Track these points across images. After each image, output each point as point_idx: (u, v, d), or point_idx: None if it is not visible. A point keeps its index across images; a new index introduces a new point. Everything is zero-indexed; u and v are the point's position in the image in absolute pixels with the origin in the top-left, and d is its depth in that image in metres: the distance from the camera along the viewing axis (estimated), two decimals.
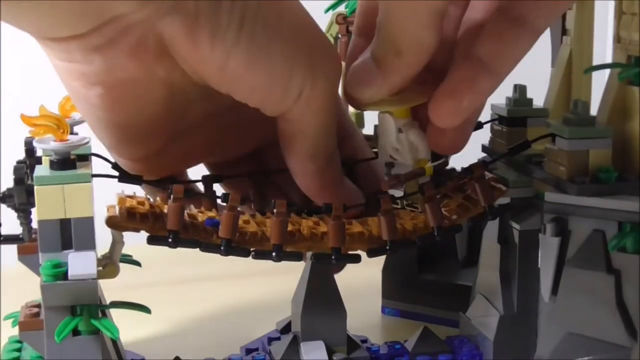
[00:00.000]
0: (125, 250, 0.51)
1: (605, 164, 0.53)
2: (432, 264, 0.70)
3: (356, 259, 0.50)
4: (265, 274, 0.76)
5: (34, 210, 0.48)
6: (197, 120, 0.51)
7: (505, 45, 0.46)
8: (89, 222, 0.48)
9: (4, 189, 0.49)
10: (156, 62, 0.45)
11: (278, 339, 0.62)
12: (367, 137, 0.60)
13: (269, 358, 0.60)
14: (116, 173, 0.51)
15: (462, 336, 0.63)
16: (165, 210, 0.49)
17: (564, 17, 0.62)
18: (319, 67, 0.47)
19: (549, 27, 0.46)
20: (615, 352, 0.52)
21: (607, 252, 0.52)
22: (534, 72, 0.71)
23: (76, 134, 0.54)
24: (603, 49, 0.68)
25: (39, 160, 0.52)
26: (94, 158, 0.51)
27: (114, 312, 0.54)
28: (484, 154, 0.63)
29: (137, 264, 0.57)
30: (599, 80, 0.60)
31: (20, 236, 0.50)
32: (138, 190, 0.52)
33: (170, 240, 0.48)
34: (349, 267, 0.52)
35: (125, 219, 0.49)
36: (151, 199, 0.51)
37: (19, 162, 0.52)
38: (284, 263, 0.51)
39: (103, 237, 0.51)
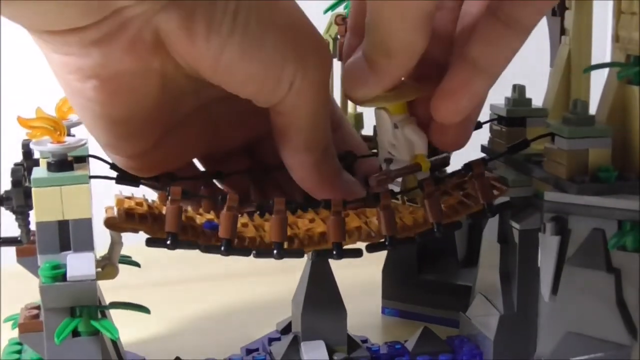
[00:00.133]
0: (124, 251, 0.51)
1: (605, 163, 0.53)
2: (432, 264, 0.70)
3: (358, 253, 0.50)
4: (266, 274, 0.76)
5: (32, 212, 0.48)
6: (190, 113, 0.51)
7: (496, 45, 0.46)
8: (87, 223, 0.48)
9: (1, 191, 0.49)
10: (152, 55, 0.46)
11: (278, 339, 0.62)
12: (367, 138, 0.60)
13: (269, 358, 0.60)
14: (114, 174, 0.51)
15: (462, 336, 0.63)
16: (164, 211, 0.49)
17: (562, 16, 0.62)
18: (309, 58, 0.48)
19: (537, 24, 0.46)
20: (616, 351, 0.52)
21: (607, 251, 0.52)
22: (533, 72, 0.71)
23: (73, 135, 0.54)
24: (602, 49, 0.68)
25: (36, 162, 0.52)
26: (92, 159, 0.51)
27: (114, 313, 0.54)
28: (483, 154, 0.63)
29: (137, 264, 0.57)
30: (598, 80, 0.60)
31: (19, 238, 0.50)
32: (136, 191, 0.52)
33: (168, 242, 0.48)
34: (349, 267, 0.52)
35: (123, 220, 0.49)
36: (149, 199, 0.51)
37: (16, 164, 0.51)
38: (284, 263, 0.51)
39: (102, 238, 0.51)
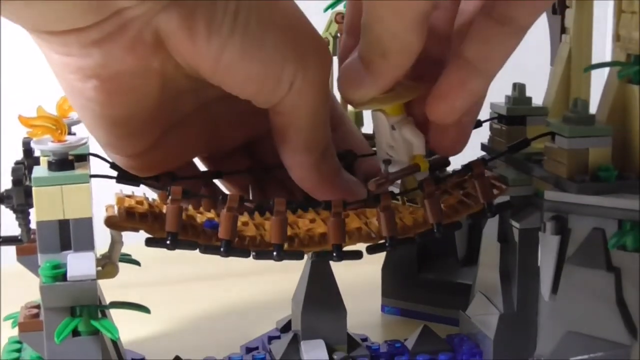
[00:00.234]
0: (124, 249, 0.51)
1: (605, 162, 0.53)
2: (432, 263, 0.70)
3: (357, 255, 0.50)
4: (266, 273, 0.76)
5: (32, 211, 0.48)
6: (189, 112, 0.51)
7: (491, 45, 0.46)
8: (87, 222, 0.48)
9: (3, 189, 0.49)
10: (152, 55, 0.46)
11: (278, 337, 0.62)
12: (367, 136, 0.60)
13: (269, 357, 0.60)
14: (114, 173, 0.51)
15: (462, 334, 0.63)
16: (164, 210, 0.49)
17: (563, 15, 0.62)
18: (309, 58, 0.48)
19: (533, 25, 0.46)
20: (615, 350, 0.52)
21: (607, 251, 0.52)
22: (533, 71, 0.71)
23: (74, 134, 0.54)
24: (602, 48, 0.68)
25: (37, 161, 0.52)
26: (92, 158, 0.51)
27: (114, 312, 0.54)
28: (484, 153, 0.63)
29: (137, 263, 0.57)
30: (599, 79, 0.60)
31: (19, 237, 0.50)
32: (136, 190, 0.52)
33: (168, 242, 0.48)
34: (349, 266, 0.52)
35: (124, 219, 0.49)
36: (150, 198, 0.51)
37: (17, 162, 0.51)
38: (284, 261, 0.51)
39: (102, 236, 0.51)
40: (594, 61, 0.61)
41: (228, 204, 0.48)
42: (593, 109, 0.56)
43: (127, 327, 0.54)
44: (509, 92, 0.61)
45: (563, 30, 0.62)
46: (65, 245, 0.48)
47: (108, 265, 0.50)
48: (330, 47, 0.68)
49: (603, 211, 0.52)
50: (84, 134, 0.51)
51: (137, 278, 0.63)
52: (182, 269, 0.80)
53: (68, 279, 0.47)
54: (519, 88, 0.61)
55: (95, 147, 0.51)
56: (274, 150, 0.51)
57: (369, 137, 0.60)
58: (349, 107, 0.69)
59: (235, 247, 0.49)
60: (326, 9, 0.69)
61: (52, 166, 0.47)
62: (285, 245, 0.49)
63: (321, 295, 0.59)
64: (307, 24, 0.49)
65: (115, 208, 0.50)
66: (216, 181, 0.56)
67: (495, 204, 0.52)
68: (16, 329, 0.53)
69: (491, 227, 0.60)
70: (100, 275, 0.49)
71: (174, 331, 0.70)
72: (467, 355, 0.60)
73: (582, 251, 0.53)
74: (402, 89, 0.49)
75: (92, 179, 0.49)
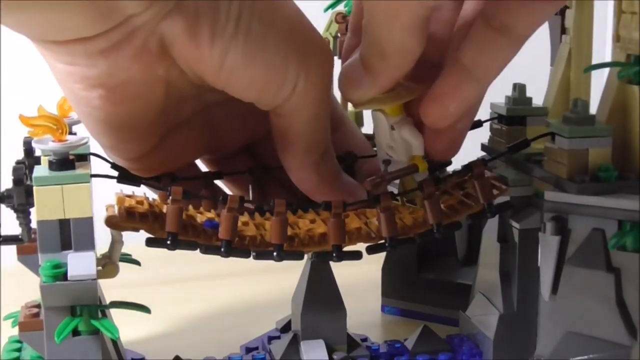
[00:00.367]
0: (125, 249, 0.51)
1: (605, 162, 0.53)
2: (432, 263, 0.70)
3: (357, 256, 0.50)
4: (265, 273, 0.76)
5: (33, 210, 0.48)
6: (190, 115, 0.51)
7: (487, 53, 0.46)
8: (88, 222, 0.48)
9: (3, 189, 0.49)
10: (157, 62, 0.46)
11: (278, 337, 0.62)
12: (368, 137, 0.60)
13: (269, 357, 0.60)
14: (115, 173, 0.51)
15: (462, 335, 0.63)
16: (165, 210, 0.49)
17: (563, 15, 0.62)
18: (312, 60, 0.48)
19: (531, 36, 0.46)
20: (615, 351, 0.52)
21: (607, 251, 0.52)
22: (534, 71, 0.71)
23: (75, 133, 0.54)
24: (602, 48, 0.68)
25: (38, 160, 0.52)
26: (93, 157, 0.51)
27: (114, 311, 0.54)
28: (484, 153, 0.63)
29: (137, 263, 0.57)
30: (599, 79, 0.60)
31: (20, 236, 0.50)
32: (137, 190, 0.52)
33: (168, 242, 0.48)
34: (349, 266, 0.52)
35: (124, 219, 0.49)
36: (150, 198, 0.51)
37: (17, 162, 0.51)
38: (284, 262, 0.51)
39: (103, 236, 0.51)
40: (594, 61, 0.61)
41: (228, 205, 0.48)
42: (593, 109, 0.56)
43: (127, 327, 0.54)
44: (509, 92, 0.61)
45: (563, 30, 0.62)
46: (66, 244, 0.48)
47: (108, 264, 0.50)
48: (331, 47, 0.68)
49: (603, 212, 0.52)
50: (85, 134, 0.51)
51: (137, 278, 0.63)
52: (182, 269, 0.80)
53: (68, 278, 0.47)
54: (519, 88, 0.61)
55: (96, 146, 0.51)
56: (274, 151, 0.52)
57: (370, 138, 0.60)
58: (349, 107, 0.69)
59: (235, 247, 0.49)
60: (326, 9, 0.69)
61: (52, 166, 0.47)
62: (285, 245, 0.49)
63: (321, 295, 0.59)
64: (309, 25, 0.49)
65: (116, 208, 0.50)
66: (217, 181, 0.56)
67: (495, 205, 0.52)
68: (16, 329, 0.53)
69: (491, 227, 0.60)
70: (100, 274, 0.49)
71: (174, 331, 0.70)
72: (467, 356, 0.60)
73: (582, 251, 0.53)
74: (402, 89, 0.49)
75: (93, 179, 0.49)
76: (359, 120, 0.70)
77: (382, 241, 0.51)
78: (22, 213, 0.49)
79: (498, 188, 0.53)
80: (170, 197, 0.48)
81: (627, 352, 0.51)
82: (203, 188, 0.55)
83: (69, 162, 0.48)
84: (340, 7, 0.69)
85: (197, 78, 0.47)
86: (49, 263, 0.47)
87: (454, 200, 0.53)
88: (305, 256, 0.51)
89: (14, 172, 0.48)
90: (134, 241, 0.53)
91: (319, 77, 0.48)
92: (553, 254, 0.54)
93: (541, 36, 0.55)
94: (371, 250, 0.51)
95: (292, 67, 0.47)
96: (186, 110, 0.51)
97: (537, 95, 0.63)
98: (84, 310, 0.48)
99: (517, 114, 0.61)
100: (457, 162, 0.55)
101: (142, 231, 0.50)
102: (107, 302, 0.55)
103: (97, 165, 0.51)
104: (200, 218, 0.51)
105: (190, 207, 0.51)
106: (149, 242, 0.49)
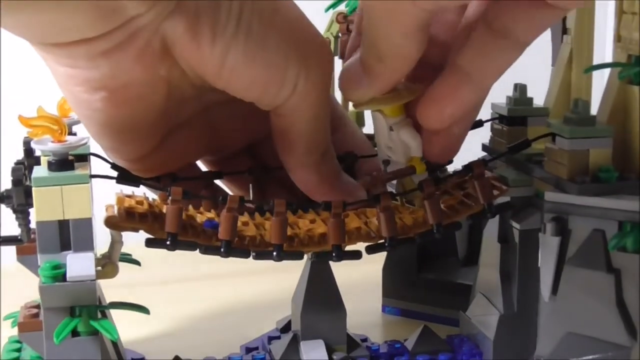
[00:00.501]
0: (124, 249, 0.51)
1: (606, 163, 0.53)
2: (433, 263, 0.70)
3: (357, 255, 0.50)
4: (266, 273, 0.76)
5: (32, 211, 0.48)
6: (191, 116, 0.51)
7: (487, 57, 0.46)
8: (87, 223, 0.48)
9: (2, 189, 0.49)
10: (159, 64, 0.46)
11: (278, 337, 0.62)
12: (369, 136, 0.60)
13: (269, 357, 0.60)
14: (115, 173, 0.51)
15: (462, 335, 0.63)
16: (164, 210, 0.49)
17: (564, 16, 0.62)
18: (312, 59, 0.48)
19: (532, 42, 0.46)
20: (615, 352, 0.52)
21: (607, 252, 0.52)
22: (535, 71, 0.71)
23: (75, 133, 0.54)
24: (603, 48, 0.68)
25: (37, 160, 0.52)
26: (92, 157, 0.51)
27: (114, 311, 0.54)
28: (484, 153, 0.63)
29: (137, 263, 0.57)
30: (600, 80, 0.59)
31: (19, 237, 0.50)
32: (137, 190, 0.52)
33: (168, 243, 0.48)
34: (349, 266, 0.52)
35: (124, 219, 0.49)
36: (150, 198, 0.51)
37: (17, 162, 0.51)
38: (284, 262, 0.51)
39: (103, 235, 0.51)
40: (595, 62, 0.61)
41: (228, 205, 0.48)
42: (594, 109, 0.56)
43: (127, 327, 0.54)
44: (510, 92, 0.61)
45: (564, 30, 0.62)
46: (65, 245, 0.48)
47: (108, 265, 0.50)
48: (332, 47, 0.68)
49: (603, 212, 0.52)
50: (85, 134, 0.51)
51: (137, 278, 0.63)
52: (182, 269, 0.80)
53: (67, 279, 0.47)
54: (520, 88, 0.61)
55: (95, 147, 0.51)
56: (275, 151, 0.52)
57: (370, 138, 0.60)
58: (350, 107, 0.69)
59: (235, 247, 0.49)
60: (327, 9, 0.69)
61: (52, 166, 0.47)
62: (285, 245, 0.49)
63: (321, 295, 0.59)
64: (309, 24, 0.49)
65: (115, 208, 0.49)
66: (217, 181, 0.56)
67: (495, 205, 0.52)
68: (16, 329, 0.53)
69: (491, 227, 0.60)
70: (100, 275, 0.49)
71: (174, 331, 0.70)
72: (467, 356, 0.60)
73: (582, 252, 0.53)
74: (403, 89, 0.49)
75: (93, 179, 0.48)
76: (360, 120, 0.70)
77: (382, 241, 0.51)
78: (22, 214, 0.49)
79: (498, 188, 0.53)
80: (170, 198, 0.48)
81: (627, 353, 0.51)
82: (203, 188, 0.55)
83: (69, 162, 0.48)
84: (341, 7, 0.69)
85: (198, 79, 0.47)
86: (48, 264, 0.47)
87: (454, 200, 0.53)
88: (305, 256, 0.51)
89: (13, 172, 0.48)
90: (134, 241, 0.53)
91: (319, 77, 0.48)
92: (553, 254, 0.54)
93: (542, 36, 0.55)
94: (371, 250, 0.51)
95: (293, 66, 0.47)
96: (187, 111, 0.51)
97: (538, 95, 0.63)
98: (83, 310, 0.48)
99: (518, 115, 0.61)
100: (458, 162, 0.55)
101: (141, 231, 0.49)
102: (108, 302, 0.55)
103: (97, 166, 0.51)
104: (200, 218, 0.51)
105: (190, 207, 0.51)
106: (149, 243, 0.49)
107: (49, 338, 0.47)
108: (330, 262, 0.59)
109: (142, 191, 0.52)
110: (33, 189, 0.47)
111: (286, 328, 0.63)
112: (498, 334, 0.58)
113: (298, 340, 0.59)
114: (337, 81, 0.50)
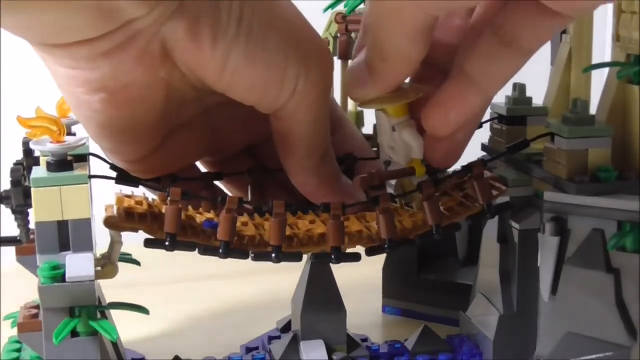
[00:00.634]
0: (124, 249, 0.51)
1: (605, 163, 0.53)
2: (433, 263, 0.70)
3: (356, 257, 0.50)
4: (265, 273, 0.75)
5: (31, 211, 0.48)
6: (192, 117, 0.51)
7: (493, 64, 0.46)
8: (86, 223, 0.48)
9: (1, 190, 0.49)
10: (160, 65, 0.46)
11: (278, 337, 0.62)
12: (367, 137, 0.60)
13: (269, 357, 0.60)
14: (114, 173, 0.51)
15: (462, 335, 0.63)
16: (164, 210, 0.49)
17: None
18: (311, 60, 0.48)
19: (537, 50, 0.45)
20: (615, 352, 0.52)
21: (607, 251, 0.52)
22: (533, 71, 0.71)
23: (74, 134, 0.54)
24: (602, 48, 0.67)
25: (36, 161, 0.52)
26: (91, 157, 0.51)
27: (114, 311, 0.54)
28: (484, 153, 0.63)
29: (137, 263, 0.57)
30: (599, 79, 0.59)
31: (18, 238, 0.50)
32: (136, 190, 0.52)
33: (167, 243, 0.48)
34: (349, 266, 0.52)
35: (123, 219, 0.49)
36: (149, 198, 0.51)
37: (16, 163, 0.51)
38: (283, 262, 0.51)
39: (102, 235, 0.51)
40: (594, 61, 0.61)
41: (227, 205, 0.48)
42: (593, 109, 0.56)
43: (127, 327, 0.54)
44: (509, 92, 0.61)
45: (563, 30, 0.62)
46: (64, 245, 0.48)
47: (107, 265, 0.50)
48: (330, 48, 0.68)
49: (602, 212, 0.52)
50: (84, 135, 0.51)
51: (137, 278, 0.63)
52: (182, 269, 0.80)
53: (67, 279, 0.47)
54: (519, 88, 0.61)
55: (95, 147, 0.51)
56: (275, 153, 0.52)
57: (369, 138, 0.60)
58: (349, 108, 0.69)
59: (234, 248, 0.49)
60: (326, 9, 0.69)
61: (50, 167, 0.47)
62: (284, 246, 0.49)
63: (321, 295, 0.59)
64: (308, 26, 0.49)
65: (115, 208, 0.49)
66: (217, 182, 0.56)
67: (494, 205, 0.52)
68: (16, 329, 0.53)
69: (491, 227, 0.60)
70: (99, 275, 0.49)
71: (174, 331, 0.70)
72: (467, 356, 0.60)
73: (582, 252, 0.53)
74: (408, 89, 0.49)
75: (92, 179, 0.48)
76: (359, 121, 0.70)
77: (382, 243, 0.50)
78: (20, 214, 0.49)
79: (497, 188, 0.53)
80: (169, 198, 0.48)
81: (627, 353, 0.51)
82: (203, 189, 0.55)
83: (67, 163, 0.48)
84: (340, 7, 0.69)
85: (198, 81, 0.47)
86: (47, 264, 0.47)
87: (453, 201, 0.53)
88: (305, 256, 0.51)
89: (12, 173, 0.49)
90: (134, 241, 0.53)
91: (319, 77, 0.48)
92: (553, 254, 0.54)
93: None
94: (370, 252, 0.51)
95: (293, 66, 0.47)
96: (187, 113, 0.51)
97: (537, 95, 0.63)
98: (82, 311, 0.48)
99: (517, 114, 0.61)
100: (457, 162, 0.54)
101: (141, 231, 0.49)
102: (107, 302, 0.55)
103: (97, 166, 0.51)
104: (199, 218, 0.51)
105: (190, 207, 0.51)
106: (147, 243, 0.49)
107: (49, 338, 0.47)
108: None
109: (141, 191, 0.52)
110: (32, 189, 0.47)
111: (286, 328, 0.63)
112: (498, 334, 0.58)
113: (298, 340, 0.59)
114: (337, 82, 0.50)
